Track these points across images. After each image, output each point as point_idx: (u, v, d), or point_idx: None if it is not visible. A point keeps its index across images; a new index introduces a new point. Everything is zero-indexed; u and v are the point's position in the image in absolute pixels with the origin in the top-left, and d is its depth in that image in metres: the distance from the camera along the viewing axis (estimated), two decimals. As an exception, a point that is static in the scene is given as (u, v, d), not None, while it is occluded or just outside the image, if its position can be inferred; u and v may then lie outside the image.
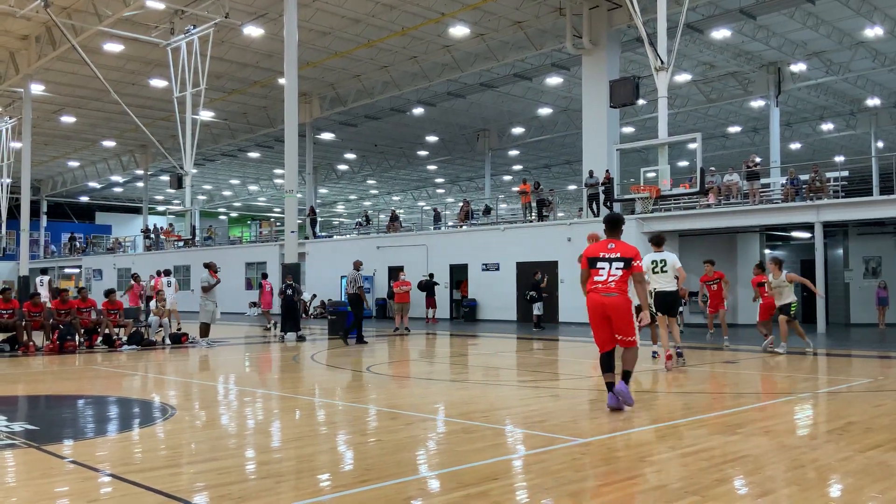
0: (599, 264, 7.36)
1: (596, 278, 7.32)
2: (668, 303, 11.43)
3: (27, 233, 32.91)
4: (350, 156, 48.12)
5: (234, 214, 72.08)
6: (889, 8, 24.72)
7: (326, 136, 40.77)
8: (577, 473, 5.01)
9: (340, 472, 5.25)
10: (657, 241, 11.58)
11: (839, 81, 31.82)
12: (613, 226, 7.64)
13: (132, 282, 23.07)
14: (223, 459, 5.49)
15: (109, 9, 23.80)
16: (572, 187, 49.47)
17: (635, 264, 7.31)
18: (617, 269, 7.27)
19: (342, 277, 31.89)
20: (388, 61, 30.41)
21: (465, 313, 27.27)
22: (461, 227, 30.82)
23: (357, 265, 17.45)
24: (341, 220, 69.10)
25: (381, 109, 37.04)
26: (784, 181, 23.01)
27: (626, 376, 7.33)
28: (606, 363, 7.36)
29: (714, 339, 16.16)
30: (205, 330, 16.59)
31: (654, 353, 12.94)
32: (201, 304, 16.69)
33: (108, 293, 16.35)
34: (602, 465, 5.34)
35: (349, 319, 17.75)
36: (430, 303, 26.74)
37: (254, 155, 47.17)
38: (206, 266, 17.06)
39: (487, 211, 32.31)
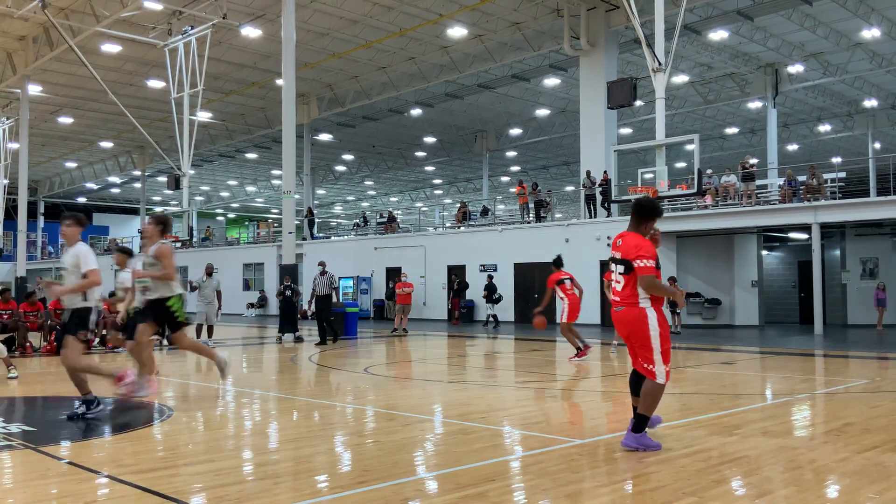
0: (611, 267, 5.84)
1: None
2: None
3: (24, 234, 32.89)
4: (348, 157, 48.12)
5: (231, 215, 72.03)
6: (886, 9, 24.77)
7: (324, 137, 40.78)
8: (574, 474, 5.01)
9: (338, 473, 5.25)
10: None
11: (836, 83, 31.88)
12: (633, 213, 5.80)
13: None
14: (221, 461, 5.48)
15: (107, 9, 23.79)
16: (570, 188, 49.50)
17: (637, 265, 5.49)
18: (619, 274, 5.66)
19: (341, 279, 31.96)
20: (386, 62, 30.42)
21: (463, 314, 27.31)
22: (459, 227, 30.83)
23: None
24: (339, 221, 69.11)
25: (379, 110, 37.06)
26: (782, 182, 23.03)
27: (638, 422, 5.56)
28: (633, 383, 5.87)
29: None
30: (197, 331, 16.59)
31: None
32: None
33: (111, 295, 16.40)
34: (600, 466, 5.34)
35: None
36: (457, 304, 27.17)
37: (251, 156, 47.17)
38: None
39: (485, 212, 32.34)
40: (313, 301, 17.89)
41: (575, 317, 12.95)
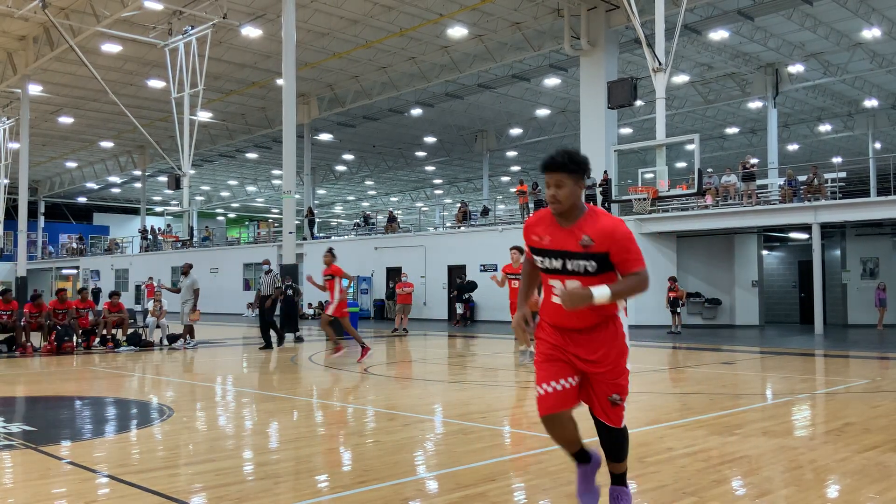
0: None
1: None
2: None
3: (25, 234, 32.90)
4: (348, 157, 48.12)
5: (231, 215, 72.06)
6: (887, 9, 24.75)
7: (324, 136, 40.77)
8: (575, 474, 5.00)
9: (338, 473, 5.25)
10: None
11: (837, 83, 31.85)
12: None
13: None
14: (221, 460, 5.49)
15: (107, 9, 23.79)
16: (570, 188, 49.39)
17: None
18: None
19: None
20: (387, 62, 30.41)
21: (463, 315, 27.31)
22: (459, 227, 30.83)
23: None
24: (339, 220, 69.11)
25: (380, 110, 37.05)
26: (782, 182, 23.03)
27: None
28: None
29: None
30: (187, 331, 16.61)
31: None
32: None
33: (112, 295, 16.43)
34: (600, 465, 5.33)
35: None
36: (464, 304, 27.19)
37: (252, 156, 47.16)
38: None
39: (485, 212, 32.33)
40: (256, 302, 17.82)
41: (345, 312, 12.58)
